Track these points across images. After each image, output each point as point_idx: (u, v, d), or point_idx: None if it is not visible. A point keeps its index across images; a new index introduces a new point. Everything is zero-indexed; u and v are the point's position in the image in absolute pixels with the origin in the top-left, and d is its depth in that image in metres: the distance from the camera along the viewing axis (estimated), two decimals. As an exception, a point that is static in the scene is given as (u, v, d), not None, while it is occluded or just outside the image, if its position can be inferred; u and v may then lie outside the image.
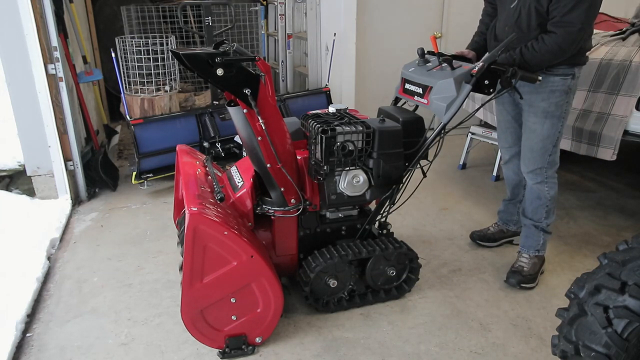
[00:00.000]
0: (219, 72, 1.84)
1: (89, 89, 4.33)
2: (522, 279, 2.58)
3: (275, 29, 5.33)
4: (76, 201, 3.59)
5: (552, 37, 2.23)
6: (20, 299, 2.40)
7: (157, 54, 4.00)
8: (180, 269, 2.13)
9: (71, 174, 3.54)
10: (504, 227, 3.01)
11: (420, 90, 2.35)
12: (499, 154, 3.75)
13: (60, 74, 3.29)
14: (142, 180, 3.68)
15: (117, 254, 2.93)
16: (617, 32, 3.32)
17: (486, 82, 2.26)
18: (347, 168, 2.22)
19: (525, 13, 2.31)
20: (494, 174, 4.03)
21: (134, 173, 3.63)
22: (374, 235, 2.53)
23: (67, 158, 3.46)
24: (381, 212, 2.45)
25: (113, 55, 3.64)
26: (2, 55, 3.14)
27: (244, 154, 3.04)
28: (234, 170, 2.49)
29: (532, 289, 2.60)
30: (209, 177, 2.38)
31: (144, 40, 4.00)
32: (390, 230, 2.58)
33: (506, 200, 2.97)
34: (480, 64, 2.21)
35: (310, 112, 2.37)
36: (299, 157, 2.26)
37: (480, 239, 3.02)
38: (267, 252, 2.24)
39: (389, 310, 2.43)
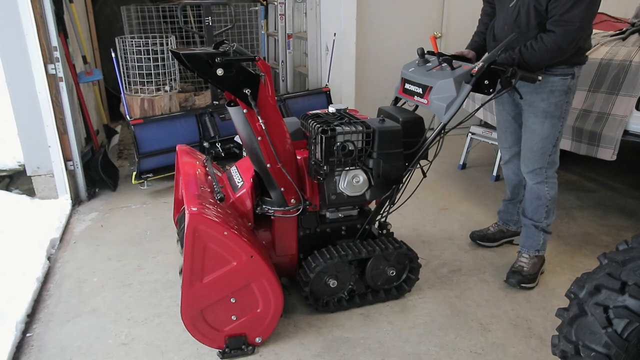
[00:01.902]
0: (219, 72, 1.85)
1: (89, 89, 4.32)
2: (522, 279, 2.58)
3: (275, 29, 5.33)
4: (76, 201, 3.59)
5: (551, 36, 2.22)
6: (20, 299, 2.40)
7: (157, 54, 4.00)
8: (181, 272, 2.13)
9: (71, 174, 3.54)
10: (504, 227, 3.01)
11: (420, 90, 2.35)
12: (499, 154, 3.75)
13: (60, 74, 3.29)
14: (142, 180, 3.68)
15: (117, 254, 2.93)
16: (617, 32, 3.32)
17: (486, 82, 2.26)
18: (347, 168, 2.22)
19: (524, 12, 2.31)
20: (494, 174, 4.03)
21: (134, 173, 3.63)
22: (374, 235, 2.53)
23: (67, 158, 3.46)
24: (381, 212, 2.45)
25: (113, 55, 3.65)
26: (2, 55, 3.14)
27: (244, 154, 3.04)
28: (234, 170, 2.49)
29: (532, 289, 2.60)
30: (209, 177, 2.38)
31: (144, 40, 4.00)
32: (390, 230, 2.58)
33: (506, 200, 2.97)
34: (480, 63, 2.21)
35: (310, 112, 2.37)
36: (299, 157, 2.26)
37: (480, 239, 3.02)
38: (267, 252, 2.24)
39: (389, 310, 2.43)
